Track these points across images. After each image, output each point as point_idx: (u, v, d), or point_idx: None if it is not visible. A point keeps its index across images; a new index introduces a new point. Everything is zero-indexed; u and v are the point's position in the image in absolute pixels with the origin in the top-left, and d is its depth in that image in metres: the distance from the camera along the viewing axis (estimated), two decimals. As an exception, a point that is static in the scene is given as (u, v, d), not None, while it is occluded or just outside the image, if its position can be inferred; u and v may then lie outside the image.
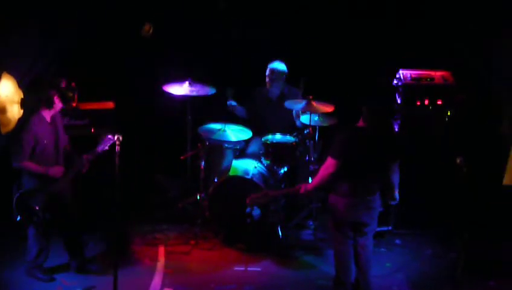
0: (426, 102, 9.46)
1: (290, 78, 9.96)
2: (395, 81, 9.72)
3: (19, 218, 8.05)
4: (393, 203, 7.73)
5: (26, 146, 7.96)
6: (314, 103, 9.35)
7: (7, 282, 8.25)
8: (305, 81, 9.78)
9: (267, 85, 9.93)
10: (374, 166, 7.53)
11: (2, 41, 8.34)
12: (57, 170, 8.10)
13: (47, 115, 8.13)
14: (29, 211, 8.01)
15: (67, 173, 8.15)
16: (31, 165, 8.00)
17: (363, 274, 7.85)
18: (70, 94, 8.39)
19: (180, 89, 9.76)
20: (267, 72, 9.89)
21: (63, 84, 8.10)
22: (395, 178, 7.57)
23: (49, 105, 8.11)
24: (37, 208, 8.00)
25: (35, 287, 8.02)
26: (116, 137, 7.22)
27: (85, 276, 8.38)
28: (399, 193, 7.69)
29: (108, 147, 8.15)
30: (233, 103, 9.97)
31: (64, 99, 8.20)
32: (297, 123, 9.87)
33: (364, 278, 7.86)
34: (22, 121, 8.06)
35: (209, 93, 9.83)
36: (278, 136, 9.63)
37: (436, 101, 9.46)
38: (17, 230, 8.81)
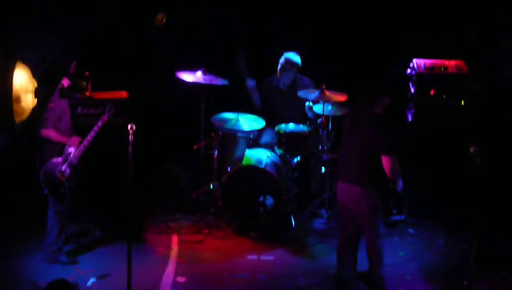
0: (440, 91, 9.43)
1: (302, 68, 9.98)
2: (408, 71, 9.70)
3: (46, 191, 8.22)
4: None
5: (52, 115, 8.20)
6: (327, 92, 9.36)
7: (22, 270, 8.30)
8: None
9: (278, 74, 9.92)
10: (353, 149, 7.71)
11: (16, 31, 8.36)
12: (74, 140, 8.30)
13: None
14: (55, 183, 8.13)
15: (80, 143, 8.30)
16: (54, 134, 8.23)
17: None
18: (84, 83, 8.44)
19: (192, 77, 9.80)
20: (281, 60, 9.88)
21: (73, 72, 8.24)
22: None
23: (63, 95, 8.19)
24: (61, 178, 8.17)
25: (50, 274, 8.02)
26: (129, 126, 7.25)
27: (99, 264, 8.44)
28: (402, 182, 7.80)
29: (109, 113, 8.43)
30: (252, 83, 9.96)
31: (78, 89, 8.27)
32: (309, 114, 9.87)
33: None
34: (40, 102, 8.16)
35: (222, 84, 9.86)
36: (291, 126, 9.64)
37: (450, 91, 9.43)
38: (30, 220, 8.95)
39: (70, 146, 8.26)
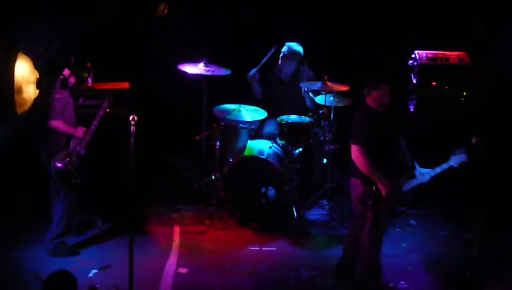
0: (442, 82, 9.42)
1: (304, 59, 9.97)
2: (410, 62, 9.69)
3: (57, 183, 8.27)
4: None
5: (59, 105, 8.24)
6: (329, 83, 9.36)
7: (23, 261, 8.31)
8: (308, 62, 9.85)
9: (280, 62, 9.92)
10: None
11: (18, 23, 8.37)
12: (80, 130, 8.35)
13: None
14: (66, 175, 8.18)
15: (86, 133, 8.35)
16: (62, 125, 8.27)
17: None
18: (86, 74, 8.44)
19: (195, 69, 9.80)
20: (284, 49, 9.89)
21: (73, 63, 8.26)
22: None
23: (65, 85, 8.19)
24: (72, 169, 8.21)
25: (51, 265, 8.04)
26: (131, 117, 7.25)
27: (101, 255, 8.45)
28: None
29: (109, 101, 8.50)
30: (255, 71, 9.95)
31: (79, 80, 8.28)
32: (307, 101, 9.86)
33: None
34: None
35: (225, 74, 9.86)
36: (293, 117, 9.63)
37: (452, 81, 9.42)
38: (32, 211, 8.97)
39: (77, 137, 8.29)
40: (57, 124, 8.25)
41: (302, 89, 9.79)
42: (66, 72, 8.22)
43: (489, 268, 8.11)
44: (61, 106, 8.28)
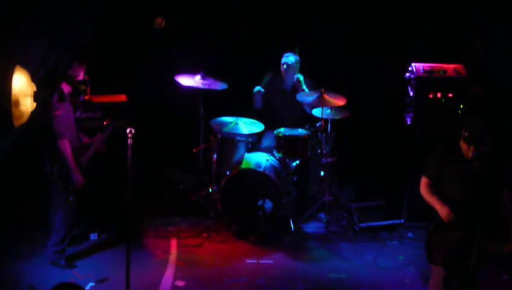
0: (439, 95, 9.44)
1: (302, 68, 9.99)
2: (407, 74, 9.70)
3: (61, 189, 8.30)
4: None
5: (60, 121, 8.21)
6: (326, 96, 9.37)
7: (21, 273, 8.28)
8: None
9: (283, 72, 9.96)
10: None
11: (15, 34, 8.38)
12: (78, 178, 8.33)
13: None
14: (67, 182, 8.22)
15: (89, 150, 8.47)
16: (68, 149, 8.21)
17: None
18: (83, 87, 8.45)
19: (191, 81, 9.82)
20: (283, 61, 9.94)
21: (77, 78, 8.27)
22: None
23: (62, 98, 8.18)
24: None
25: (49, 278, 8.03)
26: (128, 130, 7.25)
27: (98, 268, 8.43)
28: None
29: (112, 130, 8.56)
30: (262, 90, 9.96)
31: (77, 92, 8.29)
32: (307, 109, 9.88)
33: None
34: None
35: (221, 88, 9.87)
36: (290, 129, 9.64)
37: (449, 94, 9.44)
38: (30, 224, 8.97)
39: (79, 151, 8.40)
40: (63, 144, 8.19)
41: (295, 78, 9.81)
42: (64, 85, 8.22)
43: (487, 280, 8.09)
44: (62, 122, 8.21)
